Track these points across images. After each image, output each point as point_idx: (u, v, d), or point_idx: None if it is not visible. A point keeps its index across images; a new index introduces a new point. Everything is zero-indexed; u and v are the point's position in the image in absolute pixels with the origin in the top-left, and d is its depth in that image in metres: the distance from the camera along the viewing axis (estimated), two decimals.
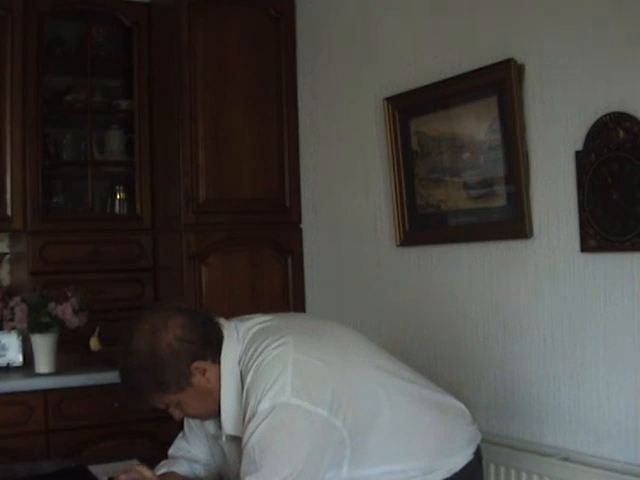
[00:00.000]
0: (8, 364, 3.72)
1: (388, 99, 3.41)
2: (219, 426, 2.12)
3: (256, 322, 2.13)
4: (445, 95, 3.14)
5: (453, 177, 3.14)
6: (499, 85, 2.88)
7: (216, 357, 2.05)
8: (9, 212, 3.80)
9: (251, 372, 1.99)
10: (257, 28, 3.97)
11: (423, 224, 3.32)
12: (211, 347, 2.05)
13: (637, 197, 2.45)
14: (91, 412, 3.59)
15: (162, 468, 2.28)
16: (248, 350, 2.04)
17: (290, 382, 1.93)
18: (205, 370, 2.04)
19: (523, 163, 2.83)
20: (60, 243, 3.89)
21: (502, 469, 2.82)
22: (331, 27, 3.86)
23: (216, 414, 2.10)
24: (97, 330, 3.79)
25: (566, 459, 2.68)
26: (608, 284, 2.59)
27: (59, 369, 3.63)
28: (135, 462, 2.38)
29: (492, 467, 2.82)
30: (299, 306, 4.02)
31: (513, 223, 2.89)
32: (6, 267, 4.09)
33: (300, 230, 4.08)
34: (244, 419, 1.97)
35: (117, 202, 4.15)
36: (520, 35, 2.84)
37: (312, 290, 4.04)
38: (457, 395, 2.32)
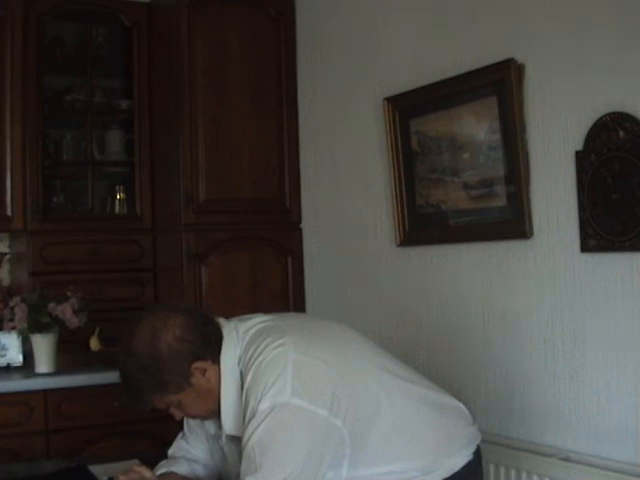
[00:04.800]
0: (8, 364, 3.72)
1: (388, 99, 3.41)
2: (219, 426, 2.12)
3: (256, 322, 2.13)
4: (445, 95, 3.14)
5: (453, 177, 3.14)
6: (499, 85, 2.88)
7: (216, 357, 2.05)
8: (9, 212, 3.80)
9: (251, 372, 1.99)
10: (257, 28, 3.98)
11: (423, 224, 3.33)
12: (211, 347, 2.05)
13: (637, 197, 2.46)
14: (91, 412, 3.59)
15: (162, 468, 2.27)
16: (248, 350, 2.04)
17: (290, 382, 1.93)
18: (205, 370, 2.04)
19: (523, 163, 2.83)
20: (60, 243, 3.89)
21: (502, 469, 2.82)
22: (331, 27, 3.86)
23: (216, 414, 2.09)
24: (97, 330, 3.80)
25: (566, 459, 2.68)
26: (608, 284, 2.59)
27: (59, 369, 3.63)
28: (135, 462, 2.38)
29: (492, 467, 2.83)
30: (299, 306, 4.02)
31: (513, 223, 2.89)
32: (6, 267, 4.09)
33: (300, 230, 4.08)
34: (244, 419, 1.97)
35: (117, 202, 4.15)
36: (520, 35, 2.84)
37: (312, 290, 4.04)
38: (457, 395, 2.32)
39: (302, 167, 4.06)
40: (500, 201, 2.96)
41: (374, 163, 3.57)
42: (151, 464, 2.27)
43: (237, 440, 2.05)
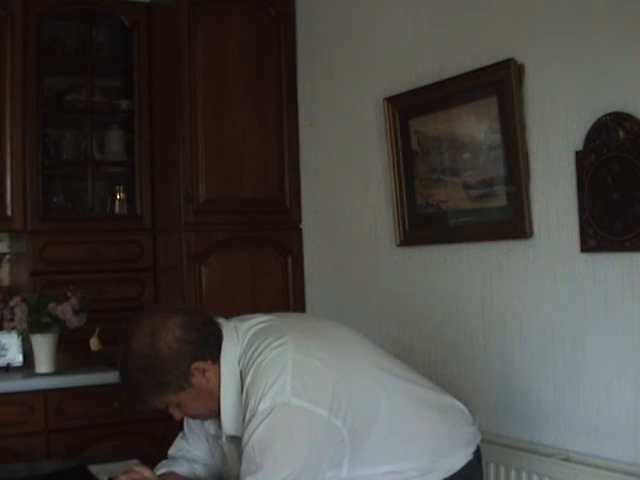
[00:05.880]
0: (8, 364, 3.72)
1: (388, 99, 3.40)
2: (219, 426, 2.12)
3: (256, 322, 2.13)
4: (445, 95, 3.14)
5: (453, 177, 3.14)
6: (499, 85, 2.88)
7: (216, 357, 2.05)
8: (9, 212, 3.80)
9: (251, 372, 1.99)
10: (257, 28, 3.98)
11: (423, 224, 3.32)
12: (210, 347, 2.05)
13: (637, 197, 2.45)
14: (91, 412, 3.59)
15: (162, 468, 2.28)
16: (248, 350, 2.04)
17: (290, 382, 1.93)
18: (205, 370, 2.04)
19: (523, 163, 2.83)
20: (60, 243, 3.89)
21: (502, 469, 2.82)
22: (331, 27, 3.86)
23: (216, 414, 2.10)
24: (97, 330, 3.80)
25: (566, 459, 2.68)
26: (608, 284, 2.59)
27: (59, 369, 3.63)
28: (135, 462, 2.38)
29: (492, 467, 2.83)
30: (299, 306, 4.02)
31: (513, 223, 2.89)
32: (6, 267, 4.09)
33: (300, 230, 4.08)
34: (244, 419, 1.97)
35: (117, 202, 4.15)
36: (520, 35, 2.84)
37: (312, 290, 4.04)
38: (457, 395, 2.32)
39: (302, 167, 4.06)
40: (500, 201, 2.96)
41: (374, 163, 3.57)
42: (151, 464, 2.28)
43: (237, 440, 2.05)
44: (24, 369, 3.71)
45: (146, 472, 2.18)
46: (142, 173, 4.06)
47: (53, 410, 3.55)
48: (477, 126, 3.00)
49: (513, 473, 2.78)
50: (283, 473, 1.89)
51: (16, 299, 3.59)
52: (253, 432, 1.92)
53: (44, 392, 3.54)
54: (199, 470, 2.30)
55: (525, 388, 2.89)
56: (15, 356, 3.74)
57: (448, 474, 2.10)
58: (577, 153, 2.65)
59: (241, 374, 2.04)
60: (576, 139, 2.66)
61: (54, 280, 3.78)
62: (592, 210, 2.60)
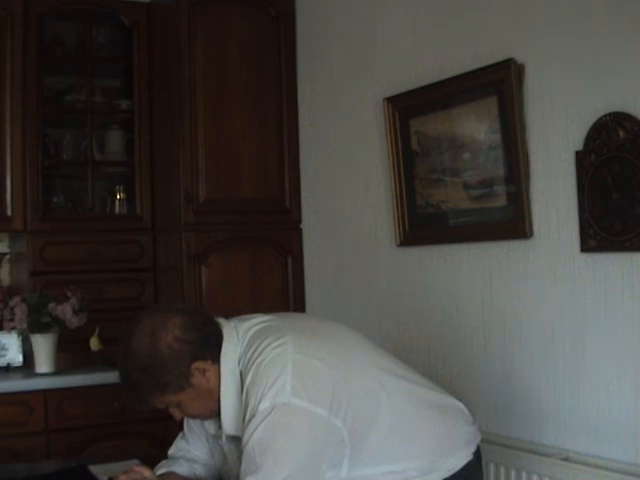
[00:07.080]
0: (8, 364, 3.72)
1: (388, 99, 3.41)
2: (219, 426, 2.12)
3: (256, 322, 2.13)
4: (445, 95, 3.14)
5: (453, 177, 3.14)
6: (499, 85, 2.88)
7: (216, 357, 2.05)
8: (9, 212, 3.80)
9: (251, 372, 1.99)
10: (257, 28, 3.98)
11: (423, 224, 3.32)
12: (211, 347, 2.05)
13: (637, 197, 2.45)
14: (91, 412, 3.60)
15: (162, 468, 2.28)
16: (248, 350, 2.04)
17: (290, 382, 1.93)
18: (205, 370, 2.04)
19: (523, 163, 2.83)
20: (60, 243, 3.89)
21: (502, 469, 2.82)
22: (331, 27, 3.86)
23: (216, 414, 2.10)
24: (97, 330, 3.80)
25: (566, 459, 2.68)
26: (608, 284, 2.59)
27: (59, 369, 3.63)
28: (135, 462, 2.38)
29: (492, 467, 2.83)
30: (299, 306, 4.02)
31: (513, 223, 2.89)
32: (6, 267, 4.09)
33: (300, 230, 4.08)
34: (244, 419, 1.97)
35: (117, 202, 4.15)
36: (520, 35, 2.84)
37: (312, 290, 4.04)
38: (457, 395, 2.32)
39: (302, 167, 4.06)
40: (500, 201, 2.96)
41: (374, 163, 3.57)
42: (151, 464, 2.28)
43: (237, 440, 2.05)
44: (24, 369, 3.71)
45: (146, 472, 2.18)
46: (142, 173, 4.06)
47: (53, 410, 3.55)
48: (477, 126, 3.01)
49: (513, 473, 2.78)
50: (283, 473, 1.89)
51: (16, 299, 3.59)
52: (253, 432, 1.92)
53: (44, 392, 3.54)
54: (199, 470, 2.30)
55: (525, 388, 2.89)
56: (15, 356, 3.74)
57: (448, 474, 2.10)
58: (577, 153, 2.65)
59: (241, 374, 2.04)
60: (576, 139, 2.66)
61: (54, 280, 3.78)
62: (592, 210, 2.60)
